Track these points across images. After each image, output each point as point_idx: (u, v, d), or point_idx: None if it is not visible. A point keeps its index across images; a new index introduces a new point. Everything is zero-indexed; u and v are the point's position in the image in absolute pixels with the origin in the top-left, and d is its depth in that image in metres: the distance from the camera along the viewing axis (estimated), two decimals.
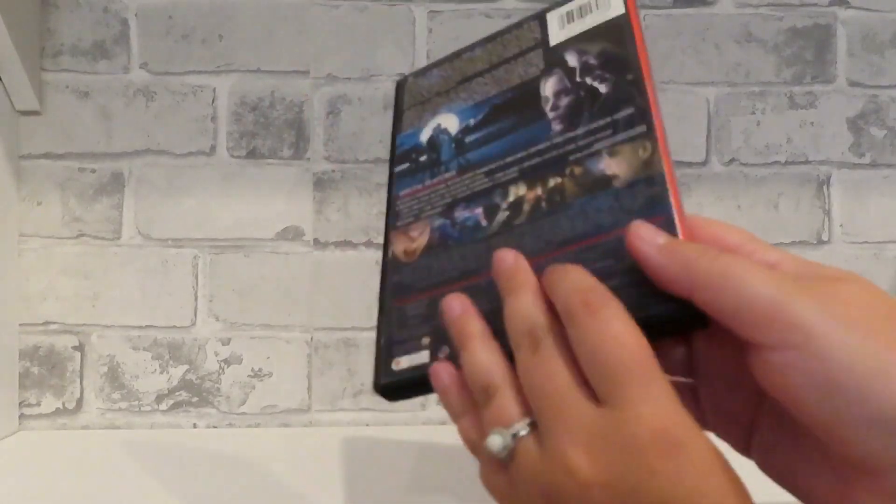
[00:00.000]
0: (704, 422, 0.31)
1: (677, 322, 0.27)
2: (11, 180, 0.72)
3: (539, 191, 0.33)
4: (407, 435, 0.71)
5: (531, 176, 0.33)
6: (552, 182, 0.33)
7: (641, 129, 0.32)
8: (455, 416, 0.30)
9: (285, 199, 0.75)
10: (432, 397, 0.75)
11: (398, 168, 0.39)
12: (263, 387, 0.74)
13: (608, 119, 0.32)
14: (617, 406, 0.24)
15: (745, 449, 0.30)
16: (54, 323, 0.74)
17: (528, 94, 0.36)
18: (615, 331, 0.25)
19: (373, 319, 0.75)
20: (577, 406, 0.25)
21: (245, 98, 0.75)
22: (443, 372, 0.31)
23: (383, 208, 0.75)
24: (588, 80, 0.34)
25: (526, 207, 0.33)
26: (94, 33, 0.74)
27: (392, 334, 0.34)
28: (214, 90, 0.75)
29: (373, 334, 0.75)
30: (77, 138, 0.74)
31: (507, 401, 0.28)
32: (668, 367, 0.30)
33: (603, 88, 0.33)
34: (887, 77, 0.78)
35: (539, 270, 0.29)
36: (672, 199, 0.30)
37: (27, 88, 0.71)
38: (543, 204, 0.32)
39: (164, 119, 0.74)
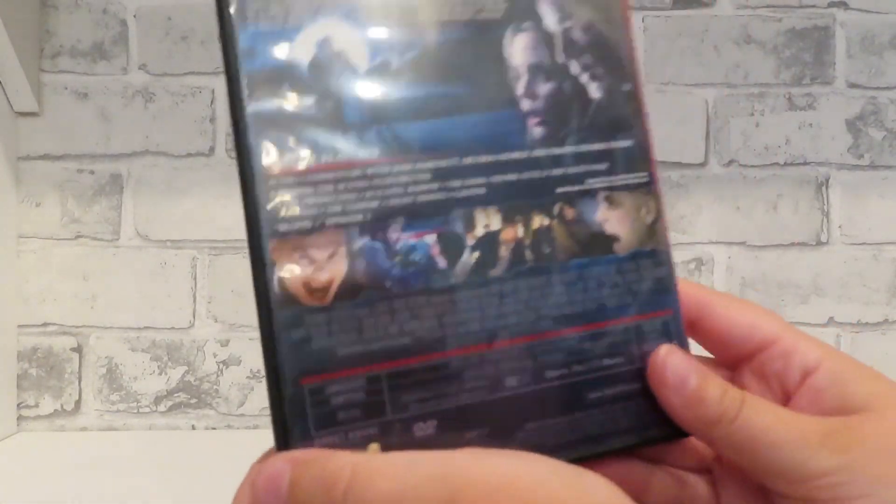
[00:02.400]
0: None
1: (672, 438, 0.25)
2: (10, 181, 0.72)
3: (520, 231, 0.24)
4: None
5: (506, 201, 0.23)
6: (538, 222, 0.24)
7: (643, 176, 0.25)
8: None
9: None
10: None
11: (255, 106, 0.22)
12: (262, 388, 0.74)
13: (604, 145, 0.25)
14: None
15: None
16: (53, 324, 0.73)
17: (484, 47, 0.24)
18: None
19: None
20: None
21: None
22: None
23: None
24: (574, 68, 0.25)
25: (503, 253, 0.23)
26: (92, 34, 0.74)
27: (306, 432, 0.21)
28: (213, 91, 0.75)
29: None
30: (76, 139, 0.74)
31: None
32: (693, 465, 0.28)
33: (595, 91, 0.25)
34: (886, 78, 0.78)
35: (527, 355, 0.23)
36: (678, 288, 0.25)
37: (26, 89, 0.70)
38: (528, 253, 0.24)
39: (163, 120, 0.74)
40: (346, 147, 0.22)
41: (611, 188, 0.25)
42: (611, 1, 0.26)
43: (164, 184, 0.74)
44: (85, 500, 0.52)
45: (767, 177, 0.77)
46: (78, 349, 0.74)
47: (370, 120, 0.22)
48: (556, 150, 0.24)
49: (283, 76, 0.22)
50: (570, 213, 0.24)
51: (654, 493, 0.26)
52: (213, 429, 0.74)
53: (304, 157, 0.22)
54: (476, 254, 0.23)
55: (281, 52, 0.22)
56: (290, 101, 0.22)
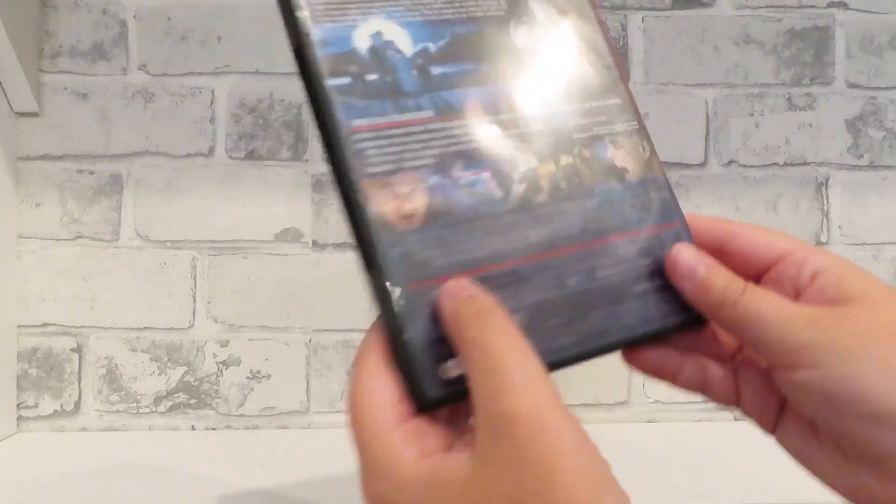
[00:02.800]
0: (740, 404, 0.33)
1: (689, 327, 0.31)
2: (10, 182, 0.72)
3: (552, 167, 0.30)
4: None
5: (538, 146, 0.30)
6: (564, 160, 0.30)
7: (634, 124, 0.32)
8: None
9: (284, 200, 0.75)
10: None
11: (335, 81, 0.28)
12: (262, 389, 0.74)
13: (600, 103, 0.32)
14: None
15: (770, 431, 0.32)
16: (52, 325, 0.73)
17: (498, 37, 0.31)
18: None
19: (371, 320, 0.75)
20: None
21: (244, 99, 0.75)
22: None
23: None
24: (565, 48, 0.32)
25: (543, 184, 0.29)
26: (92, 35, 0.74)
27: (426, 330, 0.26)
28: (213, 92, 0.75)
29: None
30: (75, 140, 0.74)
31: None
32: (717, 355, 0.33)
33: (585, 66, 0.32)
34: (886, 79, 0.78)
35: (580, 259, 0.29)
36: (679, 206, 0.31)
37: (25, 90, 0.70)
38: (562, 184, 0.30)
39: (163, 120, 0.74)
40: (408, 109, 0.28)
41: (612, 133, 0.31)
42: (581, 3, 0.33)
43: (164, 184, 0.74)
44: (85, 501, 0.52)
45: (767, 177, 0.77)
46: (78, 349, 0.74)
47: (422, 89, 0.29)
48: (565, 106, 0.31)
49: (351, 59, 0.28)
50: (586, 153, 0.31)
51: (684, 378, 0.32)
52: (213, 429, 0.74)
53: (377, 117, 0.28)
54: (523, 185, 0.29)
55: (347, 42, 0.29)
56: (359, 77, 0.28)
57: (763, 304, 0.28)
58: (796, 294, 0.30)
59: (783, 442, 0.32)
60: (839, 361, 0.26)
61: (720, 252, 0.31)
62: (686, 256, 0.30)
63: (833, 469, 0.29)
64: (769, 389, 0.31)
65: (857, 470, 0.28)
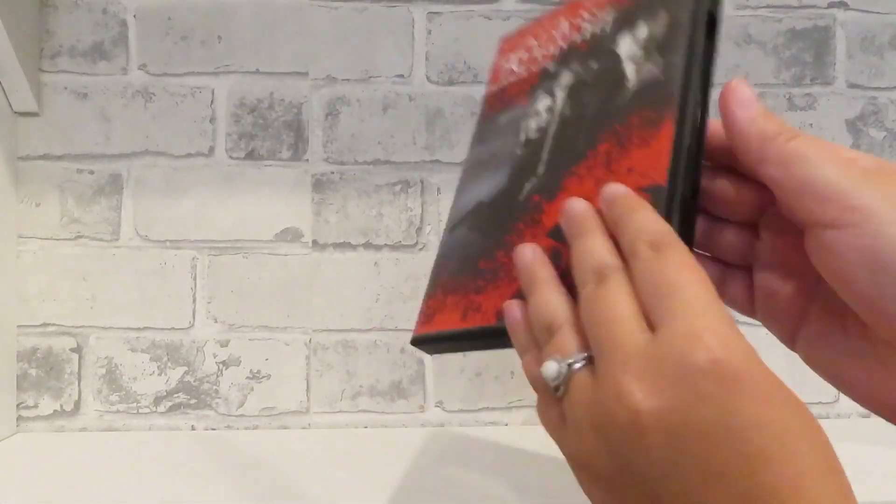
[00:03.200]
0: (755, 310, 0.32)
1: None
2: (10, 182, 0.72)
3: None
4: (405, 437, 0.71)
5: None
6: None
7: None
8: (521, 352, 0.31)
9: (284, 200, 0.75)
10: (432, 397, 0.75)
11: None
12: (262, 389, 0.74)
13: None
14: (676, 334, 0.24)
15: (791, 340, 0.31)
16: (52, 324, 0.73)
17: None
18: (678, 266, 0.26)
19: (372, 320, 0.75)
20: (634, 333, 0.25)
21: (244, 99, 0.75)
22: (515, 308, 0.32)
23: (381, 210, 0.75)
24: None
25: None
26: (92, 34, 0.74)
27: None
28: (213, 91, 0.75)
29: (370, 335, 0.75)
30: (75, 139, 0.74)
31: (567, 336, 0.28)
32: (728, 253, 0.32)
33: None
34: (886, 79, 0.78)
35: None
36: None
37: (25, 90, 0.70)
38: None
39: (163, 120, 0.74)
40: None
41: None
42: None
43: (164, 184, 0.74)
44: (85, 501, 0.52)
45: None
46: (77, 349, 0.73)
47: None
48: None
49: None
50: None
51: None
52: (213, 429, 0.74)
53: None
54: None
55: None
56: None
57: (817, 145, 0.27)
58: None
59: (806, 351, 0.30)
60: (882, 232, 0.25)
61: None
62: (746, 88, 0.29)
63: (862, 369, 0.28)
64: (793, 285, 0.30)
65: (888, 361, 0.27)
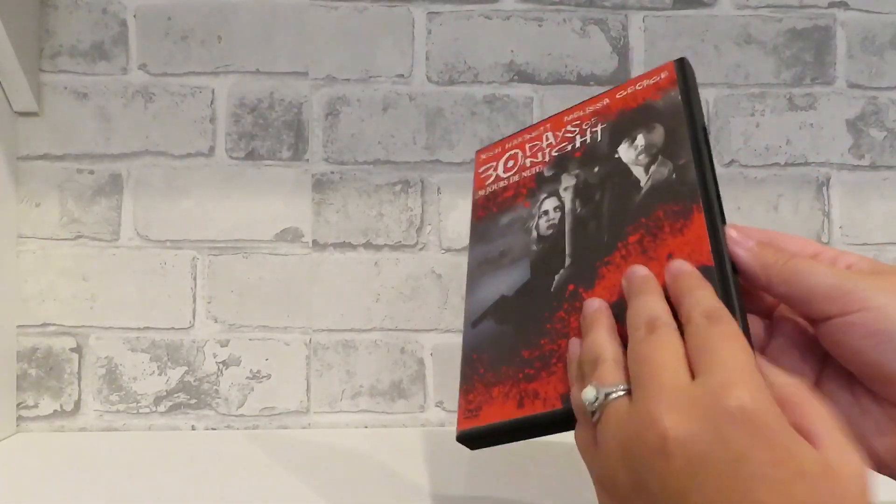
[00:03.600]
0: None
1: None
2: (10, 181, 0.72)
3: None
4: (406, 437, 0.71)
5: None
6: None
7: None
8: (571, 383, 0.35)
9: (284, 200, 0.75)
10: (432, 397, 0.75)
11: None
12: (262, 388, 0.74)
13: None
14: (713, 382, 0.27)
15: None
16: (52, 324, 0.73)
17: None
18: (726, 334, 0.29)
19: (372, 320, 0.75)
20: (675, 374, 0.28)
21: (244, 99, 0.75)
22: (574, 343, 0.36)
23: (382, 210, 0.75)
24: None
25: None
26: (92, 34, 0.74)
27: None
28: (213, 91, 0.75)
29: (370, 335, 0.75)
30: (75, 139, 0.74)
31: (610, 368, 0.31)
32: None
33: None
34: (887, 79, 0.78)
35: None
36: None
37: (25, 89, 0.70)
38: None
39: (163, 120, 0.74)
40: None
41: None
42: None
43: (164, 184, 0.74)
44: (85, 501, 0.51)
45: (768, 177, 0.77)
46: (77, 349, 0.73)
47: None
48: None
49: None
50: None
51: None
52: (213, 429, 0.74)
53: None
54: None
55: None
56: None
57: (812, 262, 0.32)
58: None
59: None
60: (892, 302, 0.29)
61: None
62: (737, 230, 0.34)
63: (872, 426, 0.31)
64: (808, 363, 0.34)
65: (894, 420, 0.30)
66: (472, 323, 0.43)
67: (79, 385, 0.73)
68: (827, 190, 0.78)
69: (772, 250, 0.33)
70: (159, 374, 0.74)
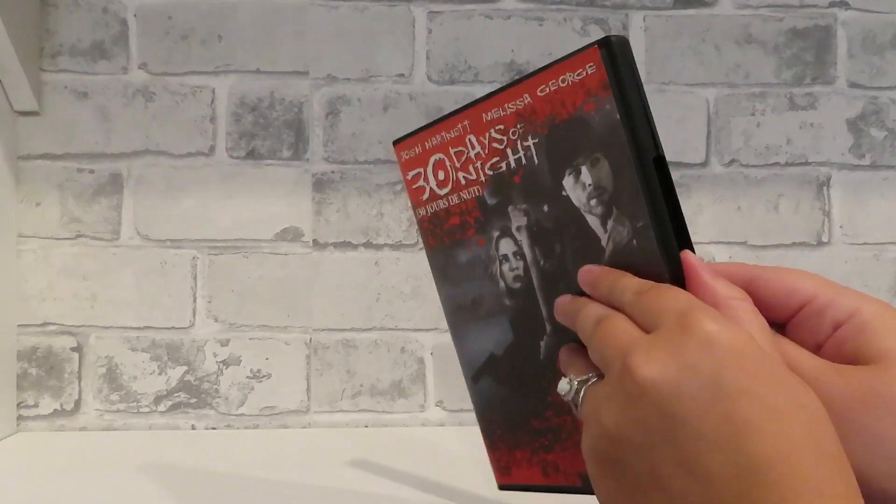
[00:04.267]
0: None
1: None
2: (10, 181, 0.72)
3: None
4: (406, 436, 0.71)
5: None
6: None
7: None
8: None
9: (284, 199, 0.75)
10: (432, 396, 0.75)
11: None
12: (262, 388, 0.74)
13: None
14: (671, 322, 0.27)
15: None
16: (52, 324, 0.73)
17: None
18: (663, 290, 0.29)
19: (372, 319, 0.75)
20: (632, 335, 0.28)
21: (244, 99, 0.75)
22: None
23: (382, 209, 0.75)
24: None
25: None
26: (93, 34, 0.74)
27: None
28: (213, 91, 0.75)
29: (370, 334, 0.75)
30: (76, 139, 0.74)
31: (578, 363, 0.32)
32: None
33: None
34: (887, 78, 0.78)
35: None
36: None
37: (26, 89, 0.70)
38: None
39: (163, 119, 0.74)
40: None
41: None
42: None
43: (165, 183, 0.74)
44: (85, 500, 0.51)
45: (768, 176, 0.77)
46: (78, 349, 0.73)
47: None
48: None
49: None
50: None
51: None
52: (213, 429, 0.74)
53: None
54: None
55: None
56: None
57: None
58: (816, 346, 0.30)
59: None
60: (868, 416, 0.26)
61: None
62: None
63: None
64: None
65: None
66: (472, 378, 0.43)
67: (79, 384, 0.73)
68: (827, 189, 0.77)
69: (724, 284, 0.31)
70: (159, 374, 0.74)
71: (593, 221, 0.34)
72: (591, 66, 0.33)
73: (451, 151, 0.41)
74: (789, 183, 0.77)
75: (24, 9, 0.69)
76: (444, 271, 0.43)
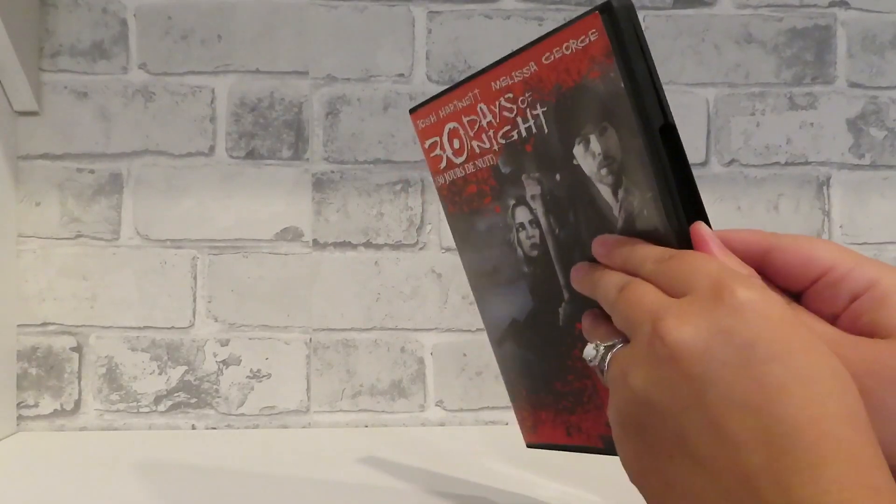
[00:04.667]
0: None
1: None
2: (10, 181, 0.72)
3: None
4: (406, 436, 0.71)
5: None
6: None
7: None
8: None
9: (284, 199, 0.75)
10: (432, 396, 0.75)
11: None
12: (262, 388, 0.74)
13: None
14: (703, 287, 0.26)
15: None
16: (52, 324, 0.73)
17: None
18: (689, 256, 0.29)
19: (372, 319, 0.75)
20: (660, 299, 0.28)
21: (244, 98, 0.75)
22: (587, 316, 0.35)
23: (382, 209, 0.75)
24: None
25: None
26: (92, 33, 0.74)
27: None
28: (213, 91, 0.75)
29: (370, 334, 0.75)
30: (75, 139, 0.74)
31: (603, 328, 0.32)
32: None
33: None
34: (887, 78, 0.78)
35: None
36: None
37: (25, 89, 0.70)
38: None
39: (163, 119, 0.74)
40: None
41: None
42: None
43: (164, 183, 0.74)
44: (85, 500, 0.51)
45: (768, 176, 0.77)
46: (78, 349, 0.73)
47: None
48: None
49: None
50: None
51: None
52: (213, 429, 0.74)
53: None
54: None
55: None
56: None
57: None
58: (833, 317, 0.30)
59: None
60: (886, 392, 0.26)
61: (761, 267, 0.31)
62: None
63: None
64: None
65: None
66: (497, 342, 0.44)
67: (79, 384, 0.73)
68: (827, 189, 0.78)
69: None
70: (159, 374, 0.74)
71: (605, 191, 0.34)
72: (593, 33, 0.32)
73: (465, 120, 0.41)
74: (789, 183, 0.77)
75: (23, 9, 0.69)
76: (465, 238, 0.44)
